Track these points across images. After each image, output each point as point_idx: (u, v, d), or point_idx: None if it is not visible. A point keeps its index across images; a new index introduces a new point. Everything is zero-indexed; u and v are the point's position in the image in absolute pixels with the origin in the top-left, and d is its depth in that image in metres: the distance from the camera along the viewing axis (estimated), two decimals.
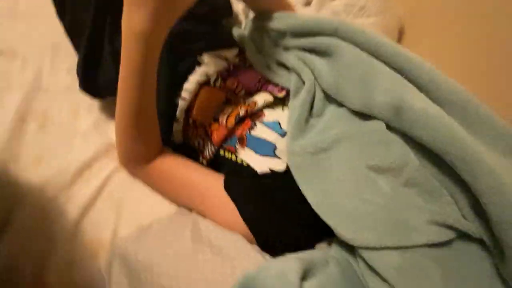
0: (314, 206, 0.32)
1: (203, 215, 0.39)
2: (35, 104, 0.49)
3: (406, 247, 0.27)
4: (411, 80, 0.34)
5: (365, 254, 0.28)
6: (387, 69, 0.36)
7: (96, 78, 0.48)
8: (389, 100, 0.32)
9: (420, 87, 0.33)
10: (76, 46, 0.51)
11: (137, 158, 0.42)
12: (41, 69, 0.52)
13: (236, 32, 0.53)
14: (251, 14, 0.53)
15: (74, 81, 0.47)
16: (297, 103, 0.40)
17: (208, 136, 0.45)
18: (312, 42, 0.42)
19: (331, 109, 0.40)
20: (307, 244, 0.35)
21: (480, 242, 0.27)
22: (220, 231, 0.36)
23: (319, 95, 0.42)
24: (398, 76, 0.35)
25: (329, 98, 0.42)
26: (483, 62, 0.53)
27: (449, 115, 0.30)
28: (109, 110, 0.52)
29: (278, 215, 0.35)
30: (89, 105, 0.52)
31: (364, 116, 0.35)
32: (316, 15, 0.44)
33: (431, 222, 0.28)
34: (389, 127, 0.33)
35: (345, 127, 0.35)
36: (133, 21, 0.32)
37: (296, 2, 0.74)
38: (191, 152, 0.46)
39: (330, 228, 0.31)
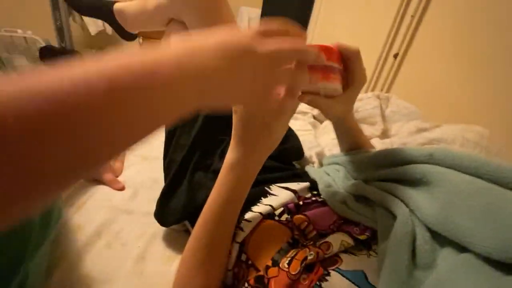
0: None
1: None
2: (114, 224, 0.52)
3: None
4: None
5: None
6: None
7: (168, 205, 0.50)
8: None
9: None
10: (165, 181, 0.60)
11: None
12: (136, 194, 0.60)
13: (308, 168, 0.52)
14: (327, 153, 0.54)
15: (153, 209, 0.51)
16: (389, 246, 0.29)
17: (263, 285, 0.34)
18: (402, 171, 0.35)
19: (446, 256, 0.27)
20: None
21: None
22: None
23: (422, 235, 0.30)
24: None
25: (439, 239, 0.29)
26: None
27: None
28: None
29: None
30: (156, 229, 0.52)
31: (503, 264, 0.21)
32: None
33: None
34: None
35: None
36: (229, 155, 0.35)
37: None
38: None
39: None
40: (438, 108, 1.03)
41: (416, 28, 1.11)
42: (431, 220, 0.28)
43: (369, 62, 1.30)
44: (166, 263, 0.48)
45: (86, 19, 2.20)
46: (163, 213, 0.50)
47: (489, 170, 0.27)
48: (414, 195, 0.32)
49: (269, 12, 2.26)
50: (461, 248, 0.25)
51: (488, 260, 0.23)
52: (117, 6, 0.79)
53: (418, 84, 1.12)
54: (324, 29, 1.85)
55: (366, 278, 0.28)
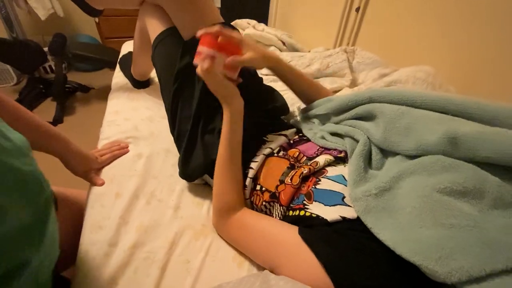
0: (392, 247, 0.30)
1: (277, 267, 0.39)
2: (146, 187, 0.65)
3: None
4: (457, 115, 0.36)
5: None
6: (429, 112, 0.39)
7: (189, 165, 0.63)
8: (441, 135, 0.34)
9: (468, 117, 0.35)
10: (179, 148, 0.71)
11: (227, 207, 0.51)
12: (156, 164, 0.71)
13: (293, 121, 0.66)
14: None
15: (175, 171, 0.64)
16: (354, 156, 0.44)
17: (276, 198, 0.50)
18: (354, 112, 0.50)
19: (389, 160, 0.42)
20: None
21: None
22: (291, 285, 0.34)
23: (375, 151, 0.45)
24: (443, 115, 0.37)
25: (384, 152, 0.44)
26: None
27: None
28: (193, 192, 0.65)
29: (357, 256, 0.32)
30: (182, 186, 0.66)
31: (419, 156, 0.36)
32: (349, 93, 0.54)
33: None
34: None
35: (403, 166, 0.36)
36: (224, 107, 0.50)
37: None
38: None
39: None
40: (396, 54, 1.17)
41: None
42: (376, 141, 0.44)
43: (334, 18, 1.39)
44: (197, 207, 0.62)
45: (31, 2, 1.97)
46: (187, 172, 0.62)
47: (405, 98, 0.42)
48: (366, 126, 0.46)
49: None
50: (396, 154, 0.41)
51: (410, 157, 0.39)
52: None
53: (379, 35, 1.25)
54: None
55: (344, 178, 0.44)
